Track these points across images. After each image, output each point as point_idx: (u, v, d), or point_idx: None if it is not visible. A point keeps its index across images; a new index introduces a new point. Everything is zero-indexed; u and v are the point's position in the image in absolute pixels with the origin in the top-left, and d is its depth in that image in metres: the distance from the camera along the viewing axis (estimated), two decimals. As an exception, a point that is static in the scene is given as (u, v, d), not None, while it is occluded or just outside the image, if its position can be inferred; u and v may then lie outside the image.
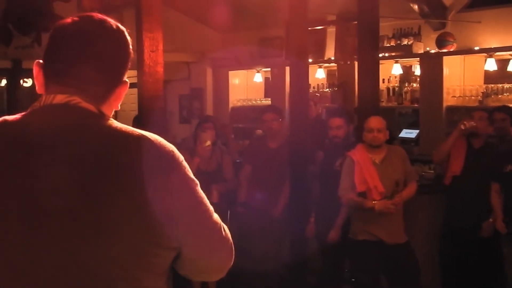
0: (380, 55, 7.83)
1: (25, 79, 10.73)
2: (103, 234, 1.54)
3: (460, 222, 5.99)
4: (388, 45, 8.98)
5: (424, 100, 8.54)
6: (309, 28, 7.17)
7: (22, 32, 8.70)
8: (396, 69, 8.90)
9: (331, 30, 9.78)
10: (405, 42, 8.86)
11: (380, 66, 6.46)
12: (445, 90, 8.29)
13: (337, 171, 5.68)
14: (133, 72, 5.34)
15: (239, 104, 10.99)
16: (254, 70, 10.75)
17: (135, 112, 6.47)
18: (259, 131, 8.31)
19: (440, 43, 8.38)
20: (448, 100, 8.32)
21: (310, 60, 8.91)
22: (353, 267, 5.82)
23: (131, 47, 1.75)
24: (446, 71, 8.31)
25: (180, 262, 1.70)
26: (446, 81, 8.31)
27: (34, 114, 1.66)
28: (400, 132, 8.95)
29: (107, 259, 1.55)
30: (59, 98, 1.65)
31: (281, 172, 6.41)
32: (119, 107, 1.77)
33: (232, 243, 1.78)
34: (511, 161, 5.61)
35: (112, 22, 1.72)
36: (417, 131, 8.71)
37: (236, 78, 11.21)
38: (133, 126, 1.68)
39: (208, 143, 6.30)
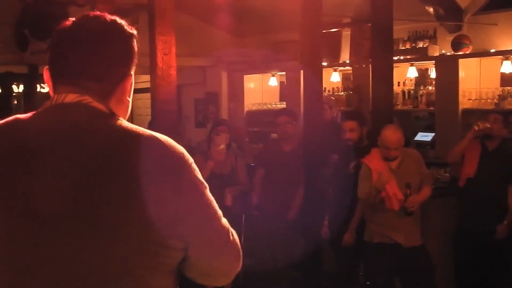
0: (395, 58, 7.82)
1: (42, 85, 10.80)
2: (108, 233, 1.55)
3: (474, 224, 5.96)
4: (403, 48, 8.94)
5: (439, 103, 8.49)
6: (324, 31, 7.17)
7: (38, 38, 8.75)
8: (412, 72, 8.86)
9: (346, 33, 9.76)
10: (420, 44, 8.82)
11: (396, 69, 6.45)
12: (461, 93, 8.24)
13: (350, 173, 5.66)
14: (148, 77, 5.38)
15: (254, 108, 11.00)
16: (269, 74, 10.75)
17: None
18: (274, 135, 8.31)
19: (456, 45, 8.33)
20: (464, 103, 8.26)
21: (325, 64, 8.94)
22: (368, 270, 5.80)
23: (134, 41, 1.75)
24: (462, 73, 8.26)
25: (186, 263, 1.69)
26: (462, 84, 8.26)
27: (46, 113, 1.67)
28: (415, 135, 8.91)
29: (113, 259, 1.55)
30: (71, 97, 1.66)
31: (295, 175, 6.40)
32: (130, 107, 1.78)
33: (240, 248, 1.76)
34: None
35: (112, 18, 1.72)
36: (433, 134, 8.67)
37: (251, 82, 11.21)
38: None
39: (222, 146, 6.30)
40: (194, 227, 1.63)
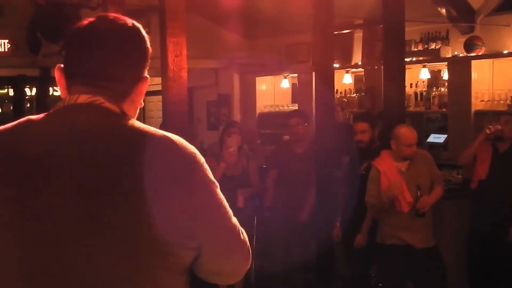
0: (408, 59, 7.79)
1: (55, 88, 10.82)
2: (120, 233, 1.55)
3: (486, 226, 5.94)
4: (415, 49, 8.91)
5: (452, 105, 8.46)
6: (336, 33, 7.16)
7: (50, 40, 8.77)
8: (424, 74, 8.83)
9: (358, 35, 9.75)
10: (432, 46, 8.79)
11: (408, 70, 6.43)
12: (473, 95, 8.20)
13: (362, 175, 5.65)
14: (159, 80, 5.38)
15: (266, 110, 11.00)
16: (281, 76, 10.75)
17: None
18: (286, 137, 8.31)
19: (469, 47, 8.29)
20: (477, 104, 8.22)
21: (337, 65, 8.92)
22: (381, 272, 5.79)
23: (148, 42, 1.76)
24: (474, 75, 8.22)
25: (197, 263, 1.69)
26: (475, 85, 8.22)
27: (58, 113, 1.68)
28: (428, 137, 8.88)
29: (125, 259, 1.56)
30: (83, 98, 1.66)
31: (307, 177, 6.40)
32: (140, 108, 1.78)
33: (249, 247, 1.77)
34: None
35: (127, 19, 1.73)
36: (445, 136, 8.64)
37: (263, 84, 11.21)
38: None
39: (233, 148, 6.31)
40: (207, 226, 1.64)
